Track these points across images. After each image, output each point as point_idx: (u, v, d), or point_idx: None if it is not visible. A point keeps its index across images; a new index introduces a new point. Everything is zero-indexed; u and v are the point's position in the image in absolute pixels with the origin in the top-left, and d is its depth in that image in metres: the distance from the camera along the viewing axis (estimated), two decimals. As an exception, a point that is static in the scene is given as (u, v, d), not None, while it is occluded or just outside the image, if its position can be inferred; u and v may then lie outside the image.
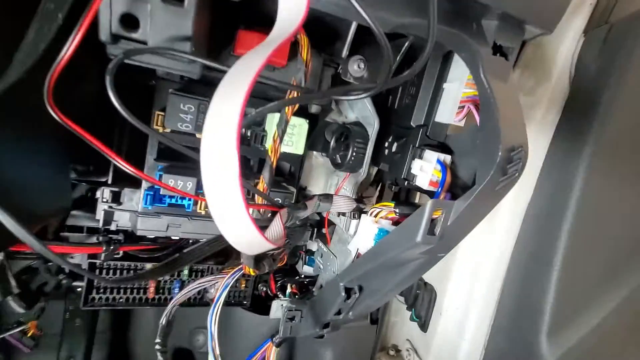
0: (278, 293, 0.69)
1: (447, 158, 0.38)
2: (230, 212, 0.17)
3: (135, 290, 0.59)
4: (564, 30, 0.58)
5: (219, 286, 0.39)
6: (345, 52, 0.35)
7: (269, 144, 0.32)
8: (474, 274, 0.63)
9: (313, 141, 0.54)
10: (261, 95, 0.41)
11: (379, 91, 0.26)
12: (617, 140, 0.54)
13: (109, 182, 0.41)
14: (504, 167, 0.31)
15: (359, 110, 0.49)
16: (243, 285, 0.68)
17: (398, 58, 0.38)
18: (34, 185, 0.29)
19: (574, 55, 0.59)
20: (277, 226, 0.28)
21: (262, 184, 0.31)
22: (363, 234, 0.42)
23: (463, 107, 0.37)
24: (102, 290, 0.58)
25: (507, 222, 0.61)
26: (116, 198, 0.41)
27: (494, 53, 0.31)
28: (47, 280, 0.59)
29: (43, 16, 0.17)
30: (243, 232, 0.19)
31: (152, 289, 0.59)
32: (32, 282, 0.58)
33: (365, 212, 0.44)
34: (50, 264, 0.56)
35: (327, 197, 0.38)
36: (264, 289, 0.70)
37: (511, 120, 0.31)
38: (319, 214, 0.60)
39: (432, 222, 0.35)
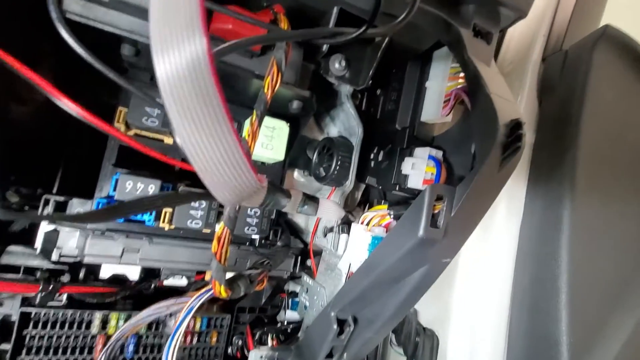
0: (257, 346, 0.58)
1: (439, 153, 0.36)
2: (205, 120, 0.12)
3: (78, 350, 0.48)
4: (525, 59, 0.63)
5: (180, 313, 0.31)
6: (325, 46, 0.35)
7: (246, 128, 0.28)
8: (475, 310, 0.57)
9: (294, 159, 0.50)
10: (235, 92, 0.39)
11: (368, 35, 0.24)
12: (592, 156, 0.55)
13: (54, 191, 0.35)
14: (505, 142, 0.28)
15: (342, 122, 0.47)
16: (214, 340, 0.57)
17: (378, 55, 0.37)
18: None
19: (538, 81, 0.63)
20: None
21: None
22: (355, 245, 0.37)
23: (448, 100, 0.36)
24: (34, 351, 0.46)
25: (502, 248, 0.58)
26: (61, 210, 0.34)
27: (474, 36, 0.32)
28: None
29: None
30: (221, 152, 0.13)
31: (99, 348, 0.48)
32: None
33: (356, 223, 0.39)
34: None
35: (313, 199, 0.34)
36: (239, 342, 0.59)
37: (502, 96, 0.30)
38: (304, 241, 0.54)
39: (434, 216, 0.31)
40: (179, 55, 0.11)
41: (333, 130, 0.50)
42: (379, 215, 0.36)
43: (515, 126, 0.28)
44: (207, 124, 0.12)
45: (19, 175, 0.37)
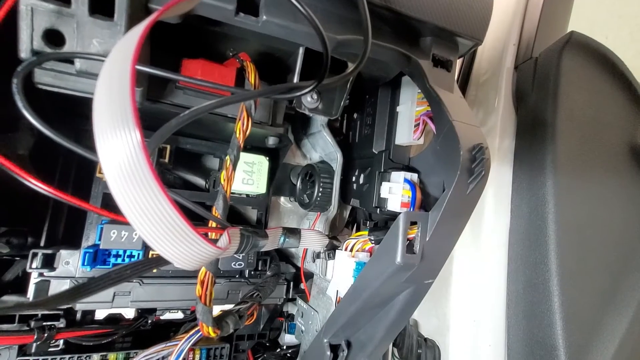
0: (258, 375, 0.58)
1: (414, 176, 0.37)
2: (147, 205, 0.13)
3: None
4: (498, 68, 0.64)
5: (171, 357, 0.32)
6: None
7: (221, 172, 0.29)
8: (473, 317, 0.57)
9: (279, 186, 0.52)
10: (212, 131, 0.40)
11: (319, 86, 0.25)
12: (570, 158, 0.56)
13: (42, 244, 0.36)
14: (469, 167, 0.29)
15: (321, 148, 0.48)
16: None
17: (348, 86, 0.39)
18: None
19: (512, 88, 0.64)
20: (224, 238, 0.24)
21: (216, 215, 0.28)
22: (340, 271, 0.38)
23: (418, 124, 0.38)
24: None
25: (493, 254, 0.59)
26: (49, 262, 0.35)
27: (434, 66, 0.33)
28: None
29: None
30: (170, 232, 0.15)
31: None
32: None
33: (340, 249, 0.40)
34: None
35: (294, 231, 0.34)
36: (240, 371, 0.59)
37: (465, 122, 0.31)
38: (295, 266, 0.55)
39: (410, 241, 0.32)
40: (116, 149, 0.12)
41: (315, 155, 0.51)
42: (360, 241, 0.37)
43: (479, 151, 0.29)
44: (150, 210, 0.14)
45: (9, 226, 0.37)
